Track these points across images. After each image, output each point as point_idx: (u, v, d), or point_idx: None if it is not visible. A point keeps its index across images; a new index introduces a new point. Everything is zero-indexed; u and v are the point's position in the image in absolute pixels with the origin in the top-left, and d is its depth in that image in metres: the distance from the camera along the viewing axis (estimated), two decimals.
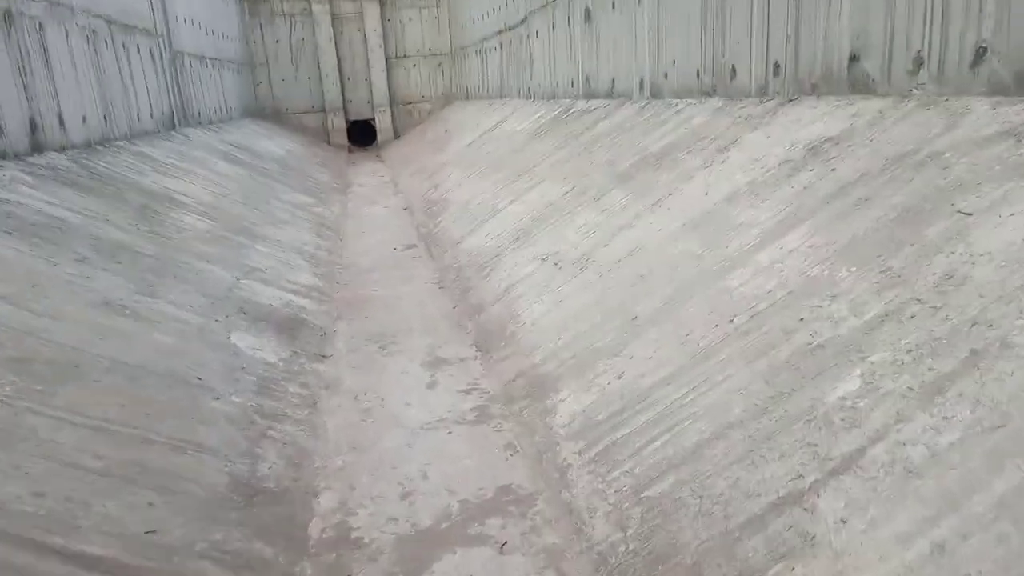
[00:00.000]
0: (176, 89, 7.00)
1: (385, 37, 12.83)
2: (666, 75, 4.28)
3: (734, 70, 3.51)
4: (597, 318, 2.45)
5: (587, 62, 5.70)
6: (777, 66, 3.16)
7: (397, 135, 13.18)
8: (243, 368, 2.45)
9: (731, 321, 1.94)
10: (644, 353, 2.07)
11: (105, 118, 5.02)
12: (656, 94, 4.44)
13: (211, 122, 8.35)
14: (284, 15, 12.33)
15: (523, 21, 7.62)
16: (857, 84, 2.68)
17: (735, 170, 2.77)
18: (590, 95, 5.70)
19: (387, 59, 12.93)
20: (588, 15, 5.54)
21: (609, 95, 5.26)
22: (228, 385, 2.27)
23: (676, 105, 4.03)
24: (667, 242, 2.62)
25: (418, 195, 6.97)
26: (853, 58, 2.69)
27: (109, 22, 5.30)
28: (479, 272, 3.77)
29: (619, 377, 2.05)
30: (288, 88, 12.63)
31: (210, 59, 8.71)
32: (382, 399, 2.50)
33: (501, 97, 9.24)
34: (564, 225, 3.47)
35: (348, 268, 4.53)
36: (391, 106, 13.13)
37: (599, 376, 2.12)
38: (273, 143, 9.62)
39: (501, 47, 8.94)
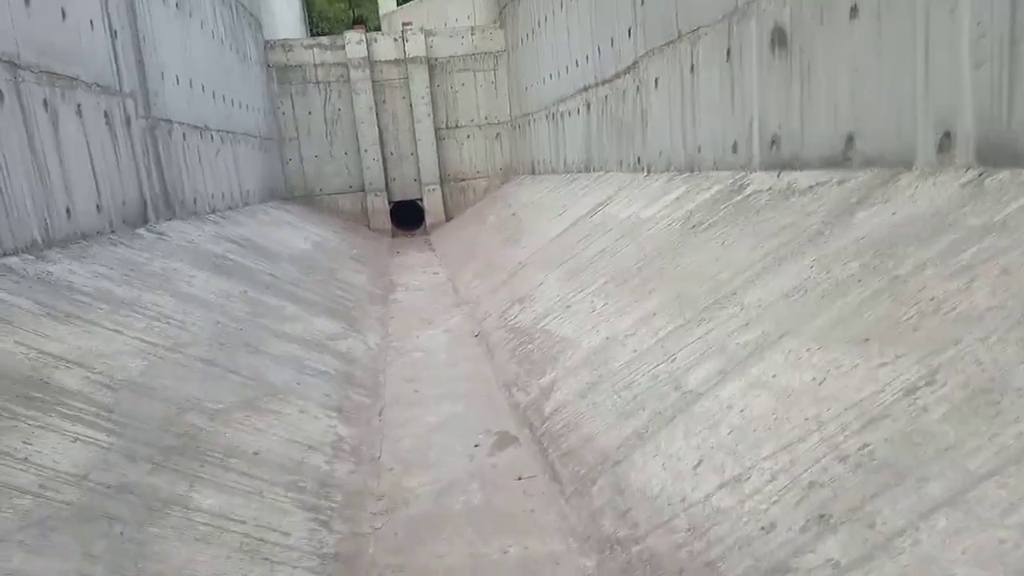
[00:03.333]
0: (155, 169, 5.03)
1: (434, 105, 10.98)
2: None
3: None
4: None
5: (773, 111, 3.53)
6: None
7: (448, 217, 11.18)
8: None
9: None
10: None
11: None
12: (992, 157, 2.21)
13: (215, 210, 6.38)
14: (318, 83, 10.59)
15: (630, 69, 5.55)
16: None
17: None
18: (780, 164, 3.51)
19: (436, 130, 11.05)
20: (780, 39, 3.40)
21: (835, 163, 3.06)
22: None
23: None
24: None
25: (494, 313, 4.78)
26: None
27: (12, 65, 3.32)
28: None
29: None
30: (322, 165, 10.79)
31: (217, 131, 6.81)
32: None
33: (588, 171, 7.14)
34: (992, 527, 1.19)
35: (390, 516, 2.27)
36: (441, 184, 11.18)
37: None
38: (297, 233, 7.63)
39: (588, 108, 6.89)
